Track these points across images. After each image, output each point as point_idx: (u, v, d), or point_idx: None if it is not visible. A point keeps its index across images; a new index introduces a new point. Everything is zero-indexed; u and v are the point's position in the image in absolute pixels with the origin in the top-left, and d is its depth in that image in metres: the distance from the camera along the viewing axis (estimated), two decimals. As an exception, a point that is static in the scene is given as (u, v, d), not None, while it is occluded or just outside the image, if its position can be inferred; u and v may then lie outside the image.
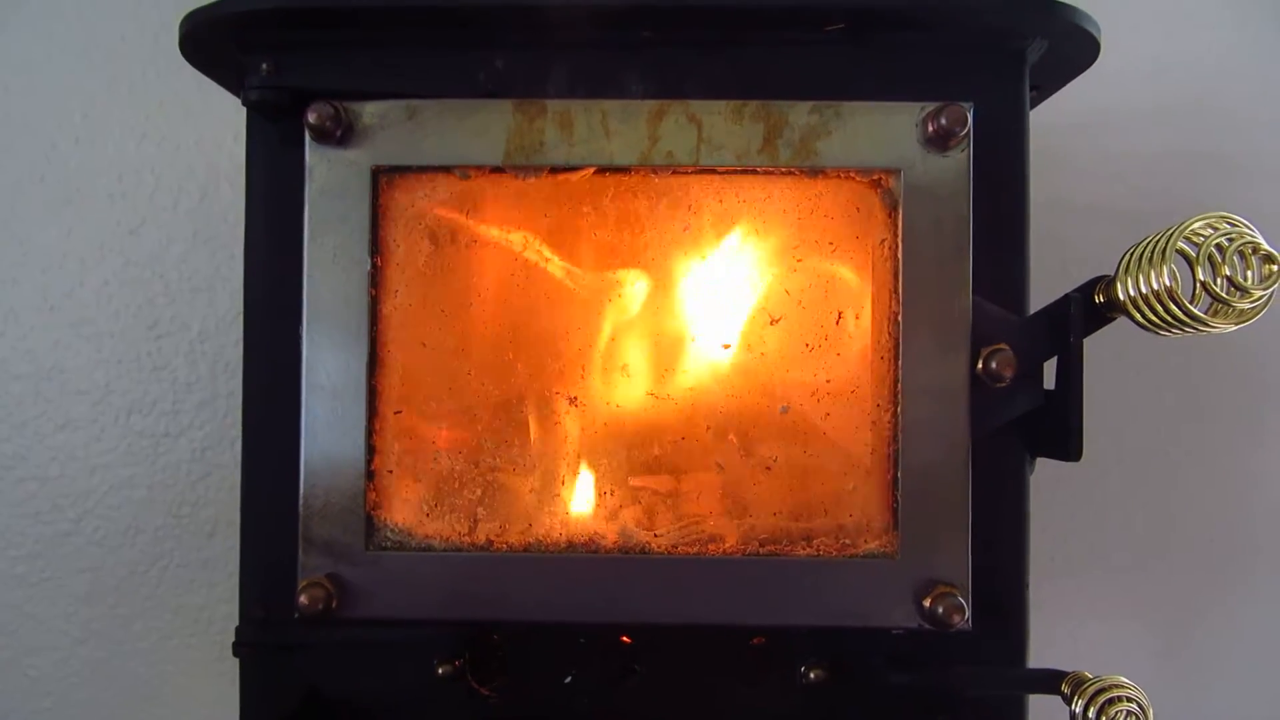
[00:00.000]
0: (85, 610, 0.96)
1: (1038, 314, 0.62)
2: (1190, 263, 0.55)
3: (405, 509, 0.63)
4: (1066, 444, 0.60)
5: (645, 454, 0.64)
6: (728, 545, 0.63)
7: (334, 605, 0.60)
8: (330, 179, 0.62)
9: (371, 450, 0.62)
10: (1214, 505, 0.97)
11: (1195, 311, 0.55)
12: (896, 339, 0.62)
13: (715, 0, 0.61)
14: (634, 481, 0.64)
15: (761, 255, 0.64)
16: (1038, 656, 0.65)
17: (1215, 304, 0.55)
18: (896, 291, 0.62)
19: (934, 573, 0.61)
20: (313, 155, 0.62)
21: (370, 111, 0.62)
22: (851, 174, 0.63)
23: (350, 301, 0.62)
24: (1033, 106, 0.66)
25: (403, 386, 0.64)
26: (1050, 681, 0.60)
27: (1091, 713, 0.57)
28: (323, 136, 0.61)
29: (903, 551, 0.61)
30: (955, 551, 0.61)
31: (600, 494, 0.64)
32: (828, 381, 0.64)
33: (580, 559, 0.63)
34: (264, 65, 0.63)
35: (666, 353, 0.65)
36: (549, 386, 0.64)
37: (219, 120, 0.94)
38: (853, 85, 0.62)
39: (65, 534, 0.95)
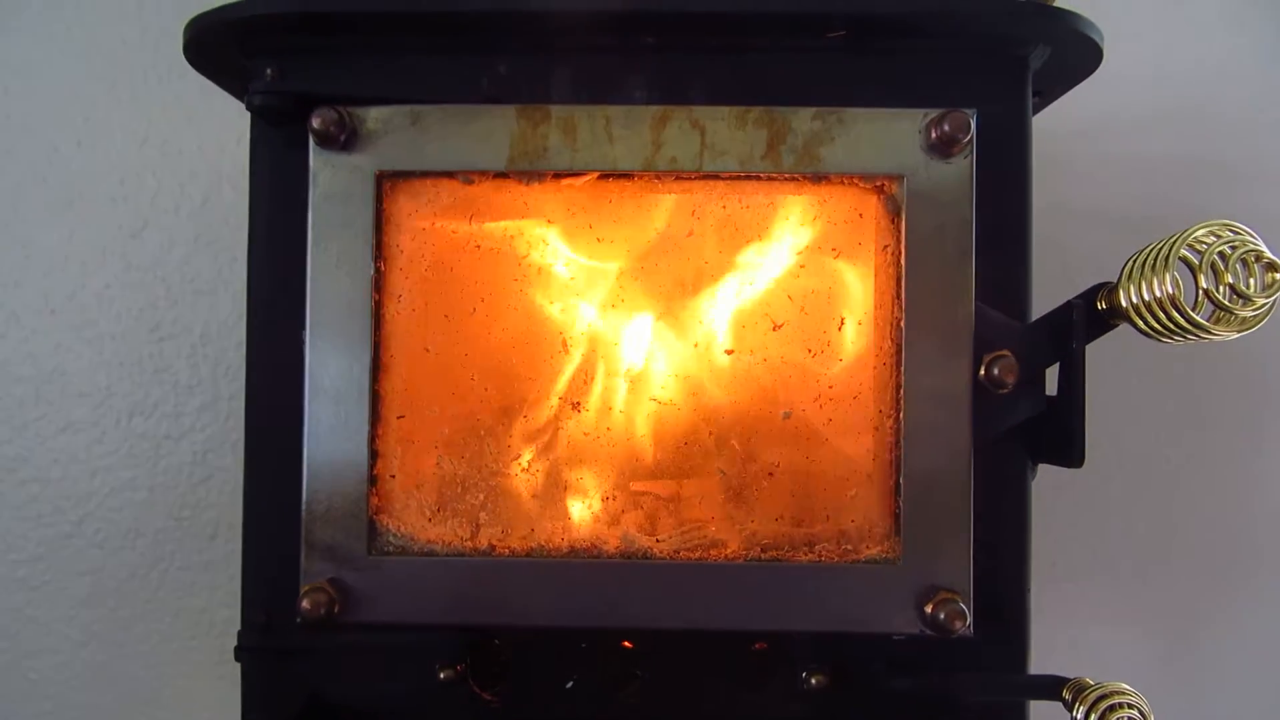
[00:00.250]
0: (86, 613, 0.96)
1: (1040, 320, 0.62)
2: (1193, 270, 0.55)
3: (408, 514, 0.64)
4: (1069, 450, 0.61)
5: (647, 459, 0.64)
6: (729, 550, 0.63)
7: (336, 610, 0.60)
8: (334, 184, 0.62)
9: (374, 455, 0.62)
10: (1215, 511, 0.97)
11: (1198, 319, 0.55)
12: (899, 345, 0.62)
13: (718, 6, 0.61)
14: (636, 486, 0.64)
15: (764, 261, 0.64)
16: (1039, 662, 0.65)
17: (1218, 311, 0.55)
18: (899, 297, 0.62)
19: (936, 578, 0.61)
20: (316, 160, 0.62)
21: (374, 117, 0.62)
22: (855, 180, 0.63)
23: (353, 306, 0.62)
24: (1035, 112, 0.66)
25: (406, 391, 0.64)
26: (1051, 687, 0.60)
27: (1093, 719, 0.57)
28: (326, 142, 0.61)
29: (904, 557, 0.61)
30: (957, 557, 0.61)
31: (602, 499, 0.64)
32: (830, 387, 0.64)
33: (582, 564, 0.63)
34: (268, 70, 0.63)
35: (669, 358, 0.65)
36: (552, 391, 0.64)
37: (220, 123, 0.94)
38: (856, 91, 0.63)
39: (66, 536, 0.95)
